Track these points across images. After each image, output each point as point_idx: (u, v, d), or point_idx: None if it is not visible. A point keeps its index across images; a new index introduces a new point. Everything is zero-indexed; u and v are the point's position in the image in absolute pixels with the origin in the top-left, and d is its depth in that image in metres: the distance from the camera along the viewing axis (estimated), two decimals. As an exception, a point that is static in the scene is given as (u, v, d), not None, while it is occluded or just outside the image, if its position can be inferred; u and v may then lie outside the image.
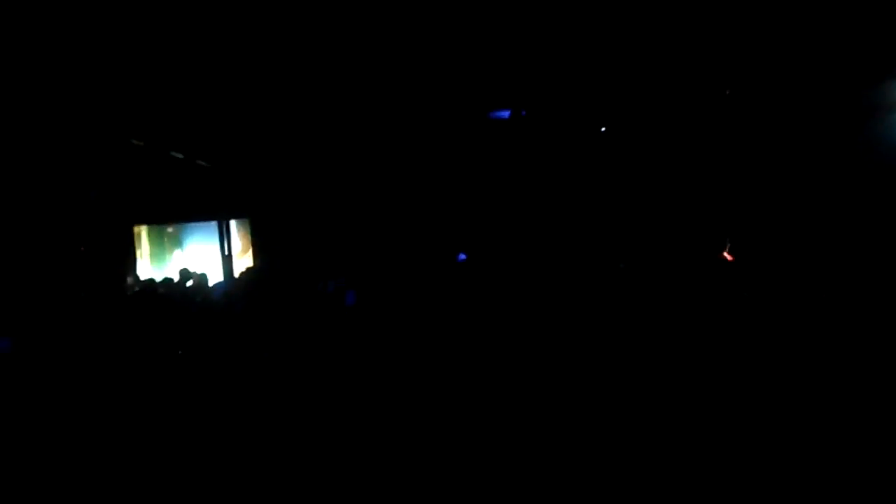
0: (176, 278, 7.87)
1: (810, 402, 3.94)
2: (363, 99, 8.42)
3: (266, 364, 5.14)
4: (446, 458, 3.74)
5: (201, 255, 10.52)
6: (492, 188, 10.40)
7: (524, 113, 9.39)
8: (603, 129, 9.64)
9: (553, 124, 9.71)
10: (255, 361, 5.21)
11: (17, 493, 3.55)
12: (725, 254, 7.17)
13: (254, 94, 7.80)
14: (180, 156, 9.30)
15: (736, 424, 3.81)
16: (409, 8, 6.02)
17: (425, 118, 9.41)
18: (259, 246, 10.96)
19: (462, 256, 8.63)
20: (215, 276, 8.54)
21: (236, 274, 9.39)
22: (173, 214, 10.63)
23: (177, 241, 10.88)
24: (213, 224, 10.33)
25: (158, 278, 8.10)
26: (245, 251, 10.95)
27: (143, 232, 10.63)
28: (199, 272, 8.11)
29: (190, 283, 7.77)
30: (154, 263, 10.54)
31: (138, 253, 10.52)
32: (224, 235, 9.91)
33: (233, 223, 10.61)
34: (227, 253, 9.88)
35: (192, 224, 10.82)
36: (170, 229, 10.88)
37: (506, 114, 9.42)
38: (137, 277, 9.03)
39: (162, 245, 10.79)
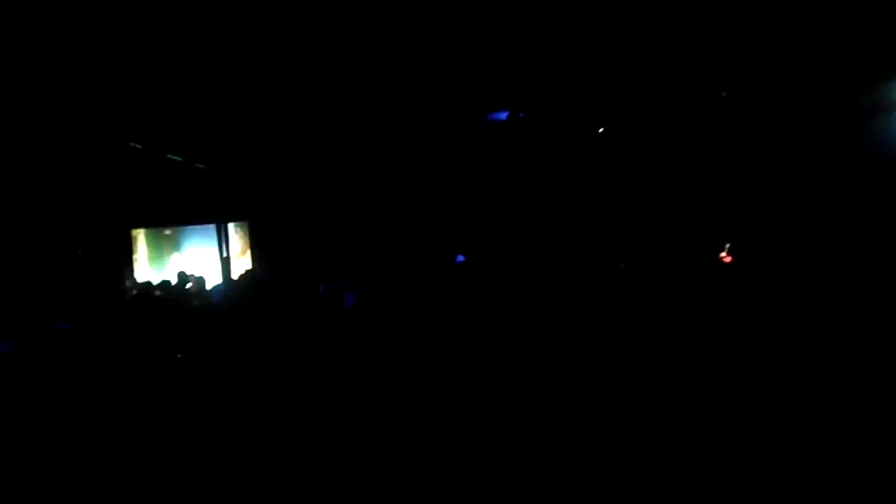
0: (174, 281, 7.87)
1: (809, 403, 3.95)
2: (361, 101, 8.43)
3: (264, 365, 5.14)
4: (445, 459, 3.75)
5: (199, 257, 10.52)
6: (490, 190, 10.41)
7: (522, 115, 9.40)
8: (601, 130, 9.66)
9: (551, 126, 9.73)
10: (253, 364, 5.21)
11: (15, 494, 3.55)
12: (724, 255, 7.18)
13: (251, 96, 7.81)
14: (178, 159, 9.29)
15: (735, 425, 3.82)
16: (407, 11, 6.03)
17: (423, 120, 9.42)
18: (258, 248, 10.96)
19: (460, 258, 8.63)
20: (214, 279, 8.53)
21: (235, 276, 9.39)
22: (172, 217, 10.62)
23: (174, 244, 10.86)
24: (211, 227, 10.33)
25: (156, 281, 8.10)
26: (243, 253, 10.95)
27: (140, 235, 10.62)
28: (197, 275, 8.12)
29: (188, 286, 7.77)
30: (152, 266, 10.54)
31: (135, 256, 10.51)
32: (222, 238, 9.90)
33: (230, 225, 10.60)
34: (225, 255, 9.86)
35: (190, 227, 10.81)
36: (167, 232, 10.86)
37: (503, 115, 9.44)
38: (135, 280, 9.04)
39: (159, 248, 10.77)
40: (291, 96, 8.08)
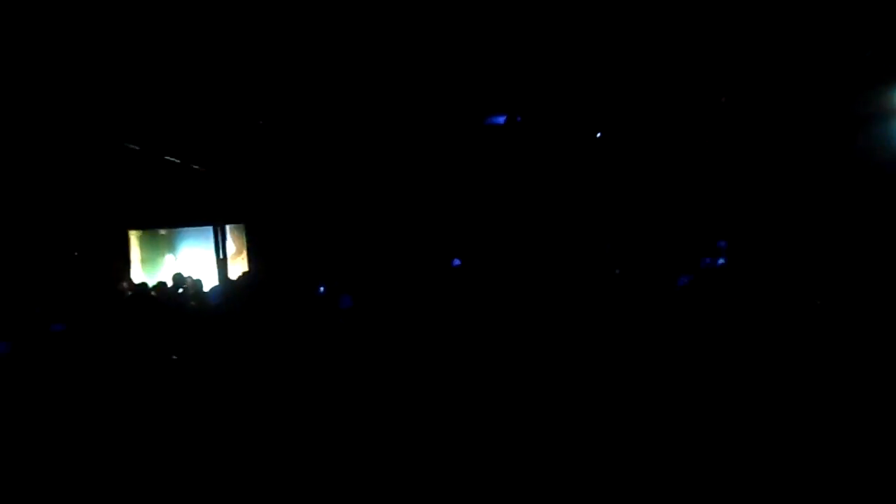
0: (169, 283, 7.85)
1: (808, 405, 3.96)
2: (359, 104, 8.43)
3: (260, 367, 5.13)
4: (443, 460, 3.74)
5: (194, 258, 10.47)
6: (487, 193, 10.41)
7: (519, 118, 9.41)
8: (598, 134, 9.67)
9: (548, 130, 9.74)
10: (250, 365, 5.19)
11: (12, 494, 3.54)
12: (721, 259, 7.17)
13: (249, 98, 7.81)
14: (176, 160, 9.29)
15: (732, 429, 3.82)
16: (406, 15, 6.04)
17: (421, 124, 9.43)
18: (254, 250, 10.93)
19: (456, 262, 8.63)
20: (209, 280, 8.50)
21: (231, 278, 9.37)
22: (169, 219, 10.59)
23: (169, 245, 10.79)
24: (206, 228, 10.29)
25: (151, 283, 8.07)
26: (238, 253, 10.90)
27: (133, 236, 10.54)
28: (193, 277, 8.10)
29: (184, 287, 7.75)
30: (146, 268, 10.47)
31: (131, 258, 10.46)
32: (219, 240, 9.88)
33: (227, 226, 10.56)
34: (222, 257, 9.84)
35: (186, 228, 10.76)
36: (162, 232, 10.80)
37: (501, 119, 9.45)
38: (131, 282, 9.01)
39: (153, 249, 10.70)
40: (289, 99, 8.09)
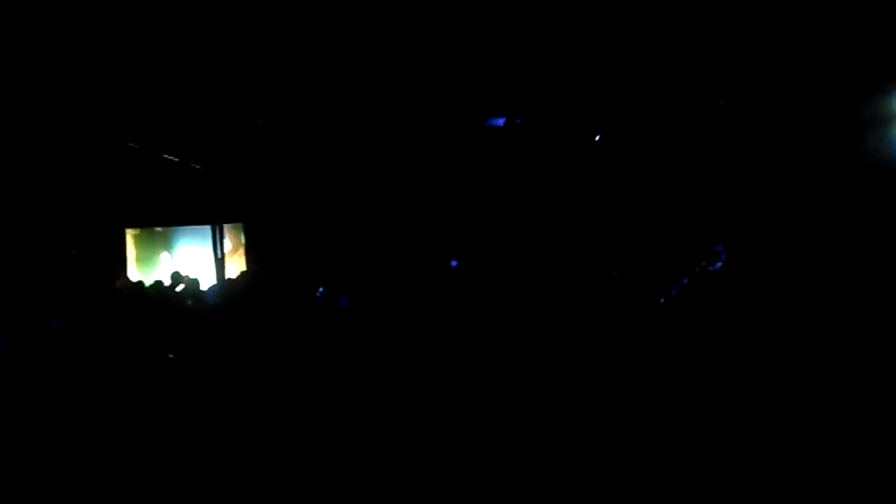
0: (167, 282, 7.84)
1: (805, 408, 3.96)
2: (358, 105, 8.44)
3: (257, 366, 5.13)
4: (441, 460, 3.74)
5: (190, 257, 10.43)
6: (485, 196, 10.41)
7: (518, 121, 9.42)
8: (597, 137, 9.68)
9: (547, 133, 9.74)
10: (247, 364, 5.19)
11: (10, 492, 3.54)
12: (720, 264, 7.15)
13: (248, 97, 7.81)
14: (175, 159, 9.28)
15: (730, 431, 3.82)
16: (406, 15, 6.05)
17: (420, 125, 9.43)
18: (253, 250, 10.92)
19: (454, 263, 8.63)
20: (206, 279, 8.47)
21: (229, 277, 9.36)
22: (167, 218, 10.57)
23: (165, 244, 10.74)
24: (203, 226, 10.26)
25: (147, 281, 8.05)
26: (235, 251, 10.86)
27: (129, 234, 10.48)
28: (190, 276, 8.08)
29: (181, 286, 7.74)
30: (141, 267, 10.39)
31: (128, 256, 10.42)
32: (217, 239, 9.86)
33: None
34: (220, 256, 9.83)
35: (182, 227, 10.72)
36: (157, 230, 10.75)
37: (500, 122, 9.45)
38: (128, 280, 8.99)
39: (149, 248, 10.64)
40: (289, 99, 8.09)
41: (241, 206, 10.67)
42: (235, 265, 10.59)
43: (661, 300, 6.41)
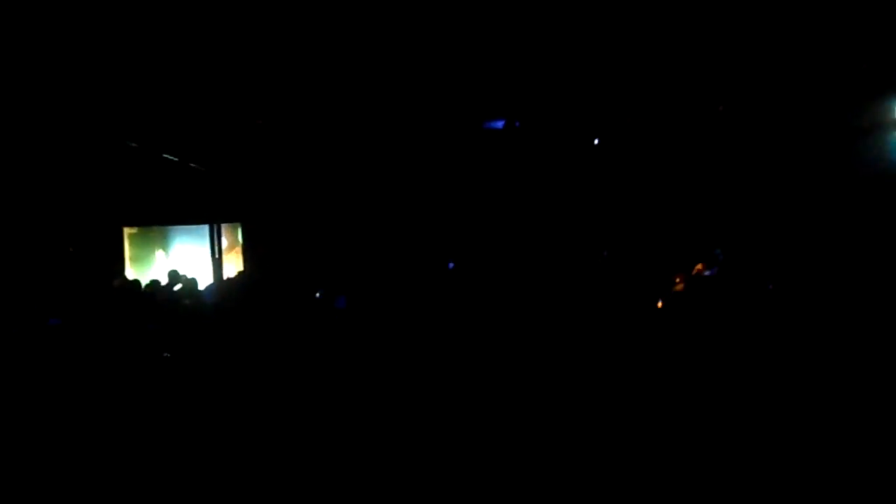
0: (163, 281, 7.81)
1: (806, 408, 3.97)
2: (358, 107, 8.45)
3: (253, 365, 5.13)
4: (439, 461, 3.74)
5: (185, 256, 10.39)
6: (484, 198, 10.43)
7: (518, 124, 9.43)
8: (596, 140, 9.70)
9: (546, 135, 9.76)
10: (243, 363, 5.19)
11: (8, 490, 3.54)
12: (716, 268, 7.17)
13: (247, 98, 7.81)
14: (174, 158, 9.29)
15: (726, 433, 3.83)
16: (407, 16, 6.05)
17: (419, 128, 9.44)
18: (250, 250, 10.92)
19: (451, 265, 8.64)
20: (202, 278, 8.45)
21: (226, 277, 9.35)
22: (165, 217, 10.55)
23: (160, 243, 10.68)
24: (199, 225, 10.22)
25: (144, 280, 8.02)
26: (231, 248, 10.82)
27: (124, 233, 10.43)
28: (188, 276, 8.05)
29: (178, 286, 7.72)
30: (136, 265, 10.33)
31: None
32: (215, 239, 9.85)
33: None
34: (217, 256, 9.81)
35: (178, 226, 10.69)
36: (153, 229, 10.70)
37: (499, 124, 9.47)
38: (125, 278, 8.96)
39: (144, 247, 10.57)
40: (289, 100, 8.10)
41: (240, 206, 10.66)
42: (231, 263, 10.55)
43: (659, 303, 6.42)
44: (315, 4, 5.66)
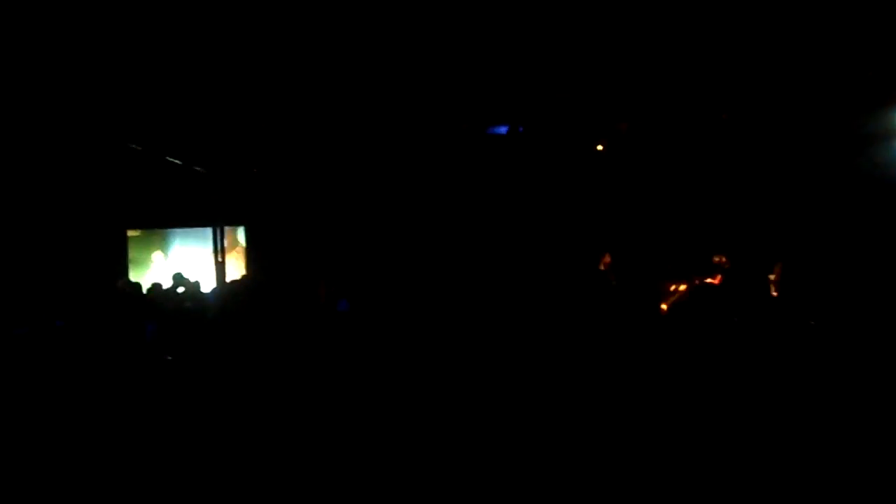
0: (166, 283, 7.82)
1: (805, 409, 3.97)
2: (362, 111, 8.46)
3: (255, 368, 5.12)
4: (439, 461, 3.74)
5: (188, 258, 10.37)
6: (487, 203, 10.43)
7: (521, 129, 9.45)
8: (599, 147, 9.71)
9: (550, 141, 9.77)
10: (245, 366, 5.19)
11: (7, 490, 3.54)
12: (718, 275, 7.17)
13: (251, 101, 7.83)
14: (178, 161, 9.30)
15: (725, 436, 3.82)
16: (410, 21, 6.07)
17: (423, 132, 9.46)
18: (254, 252, 10.92)
19: (451, 268, 8.65)
20: (203, 280, 8.43)
21: (229, 280, 9.34)
22: (169, 220, 10.56)
23: (160, 245, 10.65)
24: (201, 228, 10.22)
25: (144, 282, 8.02)
26: (231, 248, 10.79)
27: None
28: (191, 279, 8.05)
29: (182, 288, 7.73)
30: (135, 268, 10.29)
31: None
32: (218, 242, 9.84)
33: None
34: (220, 259, 9.81)
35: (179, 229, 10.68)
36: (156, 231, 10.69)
37: (503, 129, 9.48)
38: (128, 281, 8.97)
39: (144, 249, 10.53)
40: (292, 104, 8.11)
41: (244, 209, 10.67)
42: (232, 264, 10.53)
43: (660, 309, 6.42)
44: (319, 8, 5.67)
